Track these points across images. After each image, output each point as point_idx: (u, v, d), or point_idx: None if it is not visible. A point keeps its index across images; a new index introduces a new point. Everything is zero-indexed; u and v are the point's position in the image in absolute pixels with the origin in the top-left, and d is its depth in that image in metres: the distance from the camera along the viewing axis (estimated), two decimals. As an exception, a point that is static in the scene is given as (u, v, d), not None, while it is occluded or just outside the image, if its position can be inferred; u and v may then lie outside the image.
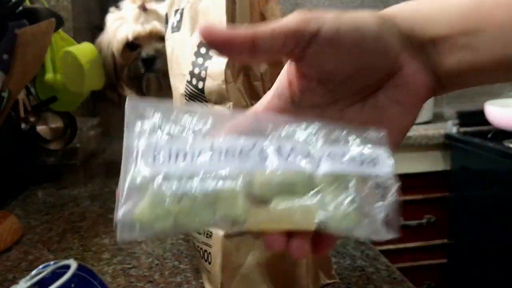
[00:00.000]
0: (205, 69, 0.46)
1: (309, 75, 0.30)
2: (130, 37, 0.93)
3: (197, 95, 0.48)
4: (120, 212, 0.26)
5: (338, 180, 0.28)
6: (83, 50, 0.90)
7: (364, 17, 0.30)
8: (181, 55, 0.50)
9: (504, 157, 1.27)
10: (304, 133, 0.30)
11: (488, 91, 1.60)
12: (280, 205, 0.27)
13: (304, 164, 0.28)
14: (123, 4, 0.98)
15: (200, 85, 0.47)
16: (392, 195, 0.28)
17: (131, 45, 0.94)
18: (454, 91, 0.32)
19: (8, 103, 0.74)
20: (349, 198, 0.28)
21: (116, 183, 0.93)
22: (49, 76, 0.89)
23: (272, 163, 0.28)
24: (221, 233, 0.46)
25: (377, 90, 0.31)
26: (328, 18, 0.29)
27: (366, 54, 0.29)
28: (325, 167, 0.28)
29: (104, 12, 1.65)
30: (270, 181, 0.27)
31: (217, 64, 0.45)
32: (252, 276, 0.47)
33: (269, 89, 0.51)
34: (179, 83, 0.50)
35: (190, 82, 0.48)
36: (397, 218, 0.28)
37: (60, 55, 0.88)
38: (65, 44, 0.91)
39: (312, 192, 0.28)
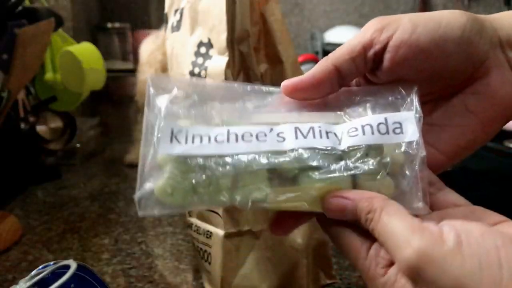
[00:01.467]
0: (205, 69, 0.46)
1: (385, 80, 0.29)
2: None
3: (197, 95, 0.48)
4: (143, 187, 0.27)
5: (365, 151, 0.28)
6: (83, 49, 0.90)
7: (446, 16, 0.27)
8: (181, 55, 0.50)
9: (504, 157, 1.27)
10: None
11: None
12: (308, 180, 0.27)
13: (325, 142, 0.28)
14: None
15: (200, 85, 0.47)
16: (418, 165, 0.27)
17: None
18: None
19: (8, 103, 0.74)
20: (382, 169, 0.27)
21: (116, 183, 0.93)
22: (48, 75, 0.89)
23: (290, 143, 0.28)
24: (221, 233, 0.46)
25: (453, 94, 0.28)
26: (404, 21, 0.27)
27: (446, 56, 0.26)
28: (348, 142, 0.28)
29: (103, 12, 1.65)
30: (293, 159, 0.27)
31: (217, 64, 0.45)
32: (252, 276, 0.47)
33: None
34: (179, 83, 0.50)
35: (190, 82, 0.48)
36: (425, 191, 0.27)
37: (59, 55, 0.88)
38: (64, 44, 0.91)
39: (338, 165, 0.27)
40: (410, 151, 0.28)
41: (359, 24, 1.71)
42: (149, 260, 0.60)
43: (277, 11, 0.50)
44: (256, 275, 0.47)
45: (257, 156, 0.27)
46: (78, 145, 1.07)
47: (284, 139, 0.28)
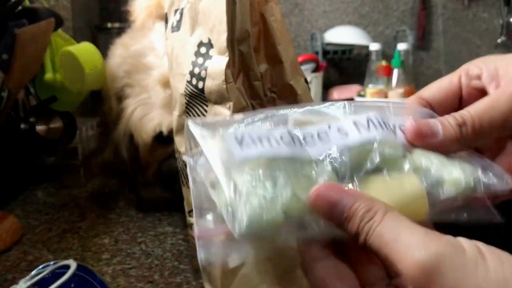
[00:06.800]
0: (205, 69, 0.46)
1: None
2: (165, 130, 0.70)
3: (197, 95, 0.48)
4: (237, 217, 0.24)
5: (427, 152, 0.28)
6: (83, 49, 0.90)
7: None
8: (181, 55, 0.50)
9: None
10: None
11: (488, 91, 1.59)
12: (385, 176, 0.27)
13: (386, 134, 0.28)
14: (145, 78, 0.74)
15: (200, 85, 0.47)
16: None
17: (159, 138, 0.72)
18: None
19: (8, 103, 0.74)
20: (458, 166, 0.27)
21: (116, 183, 0.92)
22: (48, 75, 0.89)
23: (355, 136, 0.27)
24: (221, 233, 0.46)
25: None
26: None
27: None
28: (402, 137, 0.29)
29: (103, 12, 1.65)
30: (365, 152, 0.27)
31: (217, 64, 0.45)
32: (252, 276, 0.47)
33: (269, 89, 0.51)
34: (179, 83, 0.50)
35: (190, 82, 0.48)
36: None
37: (59, 55, 0.88)
38: (64, 44, 0.91)
39: (409, 165, 0.27)
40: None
41: (359, 24, 1.71)
42: (149, 260, 0.60)
43: (277, 12, 0.50)
44: (256, 275, 0.47)
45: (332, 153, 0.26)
46: (78, 145, 1.07)
47: (347, 134, 0.27)
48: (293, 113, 0.29)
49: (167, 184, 0.73)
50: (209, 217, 0.25)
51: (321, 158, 0.26)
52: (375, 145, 0.27)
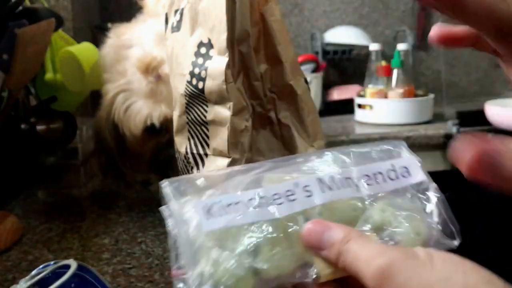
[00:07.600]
0: (205, 69, 0.46)
1: None
2: (157, 122, 0.68)
3: (197, 95, 0.48)
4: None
5: (387, 206, 0.30)
6: (83, 50, 0.90)
7: None
8: (181, 55, 0.50)
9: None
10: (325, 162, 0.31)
11: (488, 91, 1.60)
12: None
13: (348, 192, 0.30)
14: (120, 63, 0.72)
15: (200, 85, 0.47)
16: (434, 195, 0.31)
17: (151, 129, 0.70)
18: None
19: (8, 103, 0.74)
20: (406, 214, 0.30)
21: (116, 183, 0.91)
22: (49, 76, 0.89)
23: (319, 197, 0.29)
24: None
25: None
26: None
27: None
28: (366, 190, 0.30)
29: (103, 12, 1.65)
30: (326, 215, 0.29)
31: (217, 64, 0.45)
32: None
33: (269, 89, 0.52)
34: (179, 83, 0.50)
35: (190, 82, 0.48)
36: (452, 220, 0.31)
37: (60, 55, 0.88)
38: (65, 44, 0.91)
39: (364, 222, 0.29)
40: (422, 187, 0.31)
41: (359, 24, 1.71)
42: (149, 260, 0.60)
43: (277, 12, 0.50)
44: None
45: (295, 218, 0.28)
46: (78, 145, 1.07)
47: (311, 193, 0.29)
48: (268, 172, 0.31)
49: (160, 171, 0.72)
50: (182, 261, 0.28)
51: (283, 217, 0.28)
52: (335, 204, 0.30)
